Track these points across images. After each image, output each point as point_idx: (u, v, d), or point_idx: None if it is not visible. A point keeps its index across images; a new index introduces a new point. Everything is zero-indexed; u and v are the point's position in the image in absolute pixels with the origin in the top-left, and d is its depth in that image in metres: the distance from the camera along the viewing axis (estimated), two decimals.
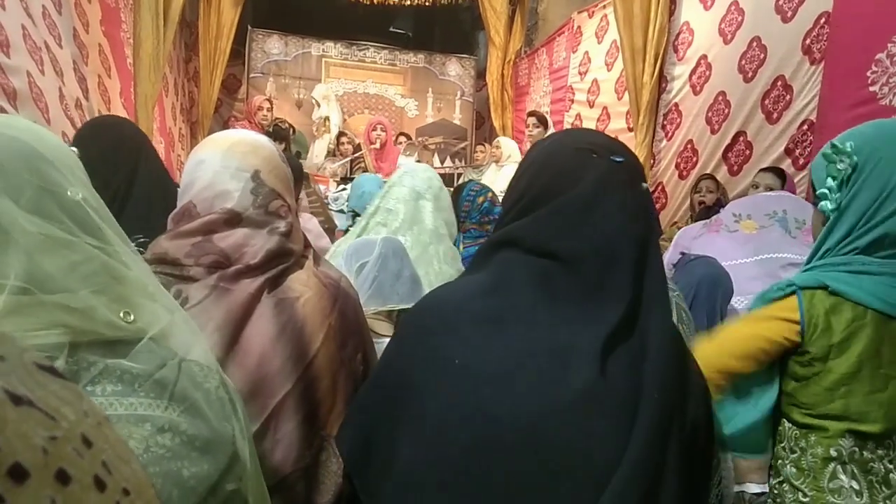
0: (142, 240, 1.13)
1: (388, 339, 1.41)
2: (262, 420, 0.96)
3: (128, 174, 1.67)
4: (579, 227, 0.83)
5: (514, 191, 0.93)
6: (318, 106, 6.53)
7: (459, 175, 5.83)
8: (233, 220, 1.01)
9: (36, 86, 3.21)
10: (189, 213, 1.01)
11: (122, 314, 0.66)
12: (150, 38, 4.20)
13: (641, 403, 0.74)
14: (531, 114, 5.52)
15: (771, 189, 2.83)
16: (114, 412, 0.62)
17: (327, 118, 6.35)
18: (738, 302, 2.24)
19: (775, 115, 3.38)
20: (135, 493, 0.46)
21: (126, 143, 1.73)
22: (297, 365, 1.01)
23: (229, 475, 0.68)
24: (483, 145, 6.46)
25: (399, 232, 2.01)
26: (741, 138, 3.65)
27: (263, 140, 1.11)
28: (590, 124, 5.56)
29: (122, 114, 4.46)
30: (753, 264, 2.28)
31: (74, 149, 0.75)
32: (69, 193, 0.67)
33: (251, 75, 7.57)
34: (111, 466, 0.42)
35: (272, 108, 5.67)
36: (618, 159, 0.88)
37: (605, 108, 5.37)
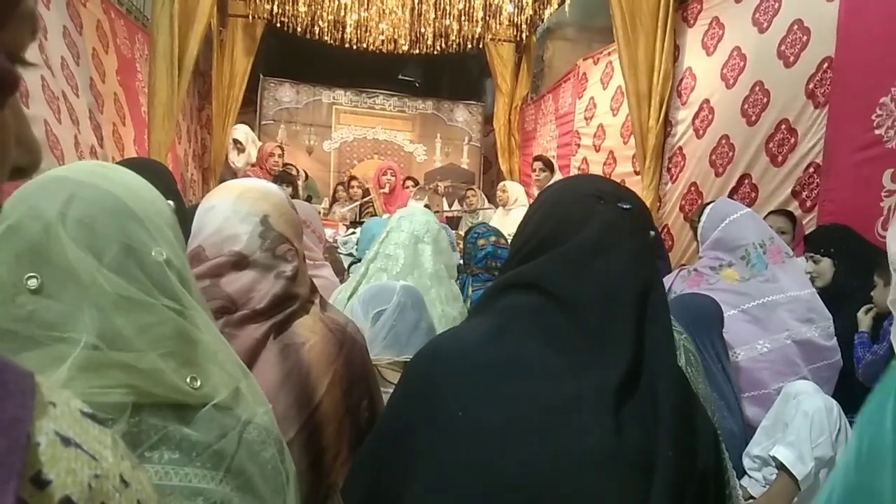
0: None
1: None
2: None
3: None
4: (583, 272, 0.83)
5: (521, 235, 0.94)
6: (243, 150, 5.95)
7: (460, 218, 5.85)
8: (240, 262, 1.02)
9: (52, 134, 3.29)
10: (198, 257, 1.03)
11: (188, 379, 0.66)
12: (164, 88, 4.29)
13: (657, 462, 0.73)
14: (537, 158, 5.56)
15: (783, 232, 2.82)
16: (168, 482, 0.62)
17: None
18: (734, 355, 2.23)
19: (780, 158, 3.39)
20: None
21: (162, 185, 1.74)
22: (301, 411, 1.00)
23: None
24: (473, 189, 6.48)
25: (400, 277, 2.01)
26: (746, 181, 3.66)
27: (273, 188, 1.14)
28: (596, 168, 5.60)
29: None
30: (739, 314, 2.28)
31: (171, 202, 0.75)
32: (153, 254, 0.68)
33: (263, 122, 7.70)
34: None
35: (283, 154, 5.74)
36: (625, 206, 0.89)
37: (611, 152, 5.41)
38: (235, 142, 6.01)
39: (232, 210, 1.05)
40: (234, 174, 5.90)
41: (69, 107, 3.61)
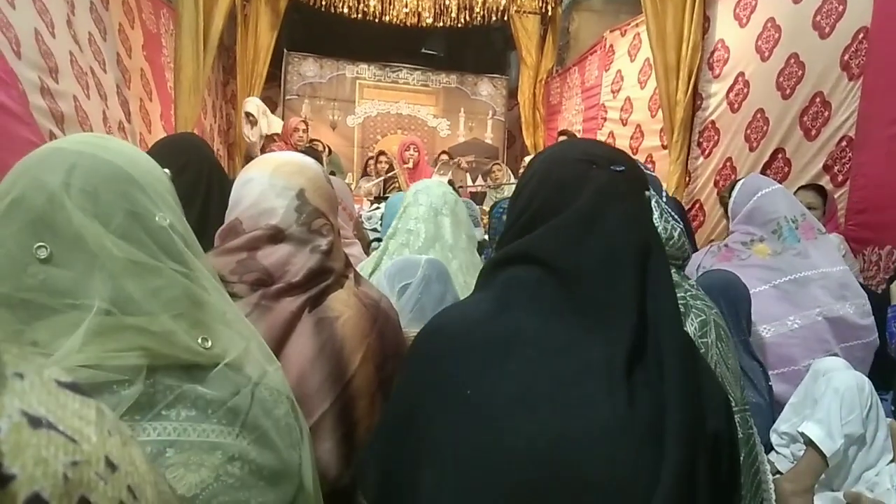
0: None
1: None
2: None
3: (204, 195, 1.68)
4: (582, 241, 0.82)
5: (515, 206, 0.92)
6: (255, 123, 5.86)
7: (485, 194, 5.81)
8: (276, 236, 1.03)
9: (81, 109, 3.32)
10: (235, 230, 1.04)
11: (199, 339, 0.67)
12: (190, 63, 4.31)
13: (667, 427, 0.72)
14: (562, 132, 5.52)
15: (812, 207, 2.77)
16: (186, 438, 0.64)
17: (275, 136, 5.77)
18: (764, 330, 2.20)
19: (814, 132, 3.32)
20: None
21: (200, 164, 1.75)
22: (335, 384, 1.01)
23: None
24: (499, 164, 6.42)
25: (422, 251, 2.00)
26: (780, 155, 3.59)
27: (310, 162, 1.14)
28: (623, 142, 5.53)
29: (162, 135, 4.57)
30: (770, 289, 2.24)
31: (167, 171, 0.77)
32: (157, 219, 0.69)
33: (287, 97, 7.70)
34: (137, 491, 0.40)
35: (308, 129, 5.74)
36: (618, 168, 0.87)
37: (638, 125, 5.34)
38: (247, 115, 5.98)
39: (268, 183, 1.06)
40: (251, 148, 5.92)
41: (97, 82, 3.64)
